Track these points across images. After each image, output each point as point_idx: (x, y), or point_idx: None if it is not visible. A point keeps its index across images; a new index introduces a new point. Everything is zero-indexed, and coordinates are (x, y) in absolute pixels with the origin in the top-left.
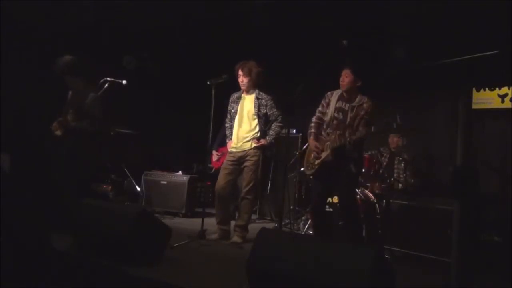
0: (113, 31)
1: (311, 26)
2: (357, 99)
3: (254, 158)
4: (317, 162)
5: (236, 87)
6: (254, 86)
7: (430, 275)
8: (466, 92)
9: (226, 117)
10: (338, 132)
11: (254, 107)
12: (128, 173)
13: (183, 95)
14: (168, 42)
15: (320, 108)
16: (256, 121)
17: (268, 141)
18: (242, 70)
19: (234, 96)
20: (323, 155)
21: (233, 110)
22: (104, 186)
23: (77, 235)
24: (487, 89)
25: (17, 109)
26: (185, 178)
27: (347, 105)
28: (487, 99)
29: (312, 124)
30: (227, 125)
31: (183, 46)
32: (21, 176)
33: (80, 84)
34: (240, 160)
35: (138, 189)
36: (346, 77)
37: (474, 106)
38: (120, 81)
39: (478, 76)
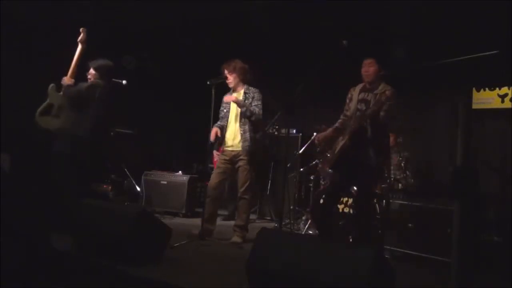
0: (113, 31)
1: (311, 26)
2: (380, 87)
3: (247, 157)
4: (336, 151)
5: None
6: (241, 82)
7: (430, 275)
8: (466, 92)
9: None
10: (358, 114)
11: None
12: (128, 173)
13: (183, 95)
14: (168, 42)
15: (346, 106)
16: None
17: (241, 103)
18: (226, 69)
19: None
20: (341, 141)
21: (225, 110)
22: (104, 186)
23: (77, 235)
24: (487, 89)
25: (17, 109)
26: (185, 178)
27: (370, 94)
28: (487, 99)
29: (339, 121)
30: (217, 125)
31: (183, 46)
32: (21, 176)
33: (101, 84)
34: (233, 159)
35: (138, 189)
36: (370, 67)
37: (474, 106)
38: (120, 81)
39: (478, 76)
